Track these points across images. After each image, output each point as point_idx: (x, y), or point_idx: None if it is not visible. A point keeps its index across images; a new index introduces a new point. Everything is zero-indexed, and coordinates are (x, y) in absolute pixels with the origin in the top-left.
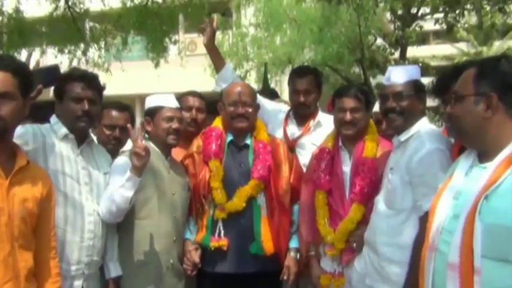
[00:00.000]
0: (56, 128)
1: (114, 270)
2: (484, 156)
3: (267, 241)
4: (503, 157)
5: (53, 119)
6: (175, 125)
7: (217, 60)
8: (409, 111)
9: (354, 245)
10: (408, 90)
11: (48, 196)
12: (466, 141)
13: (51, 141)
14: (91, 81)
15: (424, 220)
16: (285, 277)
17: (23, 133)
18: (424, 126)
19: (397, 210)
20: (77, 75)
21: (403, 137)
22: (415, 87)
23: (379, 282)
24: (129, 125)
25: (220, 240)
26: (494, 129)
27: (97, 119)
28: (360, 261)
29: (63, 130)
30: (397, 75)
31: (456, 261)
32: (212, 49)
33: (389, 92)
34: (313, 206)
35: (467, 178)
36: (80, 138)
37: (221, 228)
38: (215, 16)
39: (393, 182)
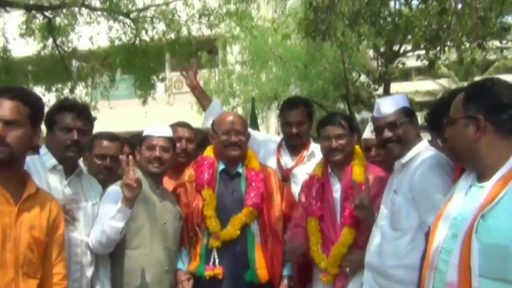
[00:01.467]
0: (44, 158)
1: None
2: (482, 176)
3: (261, 268)
4: (498, 177)
5: (43, 149)
6: (156, 153)
7: (202, 98)
8: (406, 137)
9: (347, 269)
10: (400, 118)
11: (57, 223)
12: (462, 162)
13: (38, 172)
14: (81, 111)
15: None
16: None
17: None
18: (424, 147)
19: (403, 230)
20: (67, 105)
21: (404, 159)
22: (406, 113)
23: None
24: (121, 156)
25: (215, 269)
26: (486, 150)
27: (86, 150)
28: (355, 287)
29: (52, 161)
30: (387, 106)
31: (454, 281)
32: (196, 87)
33: (382, 123)
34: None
35: (466, 198)
36: (69, 169)
37: (216, 256)
38: (195, 60)
39: (397, 202)
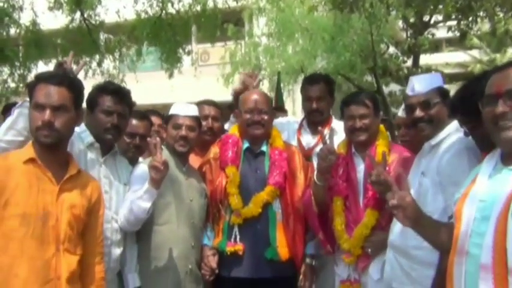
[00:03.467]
0: (83, 135)
1: (132, 282)
2: (508, 158)
3: (282, 247)
4: None
5: (81, 127)
6: (182, 132)
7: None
8: (438, 118)
9: (369, 250)
10: (434, 98)
11: (97, 204)
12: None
13: (78, 147)
14: (123, 97)
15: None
16: (301, 284)
17: None
18: (454, 128)
19: (428, 212)
20: (111, 89)
21: (434, 141)
22: (440, 93)
23: (408, 285)
24: (148, 139)
25: (236, 245)
26: None
27: (124, 133)
28: (375, 268)
29: (90, 138)
30: (421, 85)
31: (489, 262)
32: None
33: (415, 102)
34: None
35: (493, 180)
36: (105, 148)
37: (237, 233)
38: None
39: (424, 184)
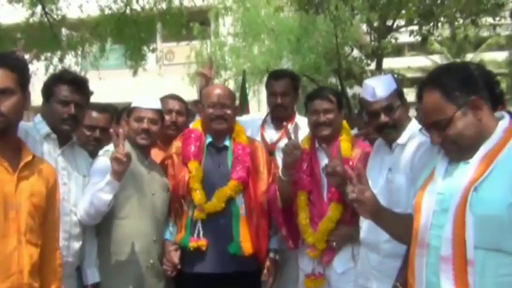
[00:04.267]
0: (39, 127)
1: (91, 277)
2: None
3: (245, 241)
4: (486, 151)
5: (37, 118)
6: (144, 125)
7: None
8: (401, 121)
9: (334, 244)
10: (395, 102)
11: (54, 189)
12: (465, 152)
13: (33, 138)
14: (80, 85)
15: None
16: (265, 278)
17: None
18: (416, 127)
19: (402, 207)
20: (67, 78)
21: (401, 140)
22: (398, 96)
23: (374, 281)
24: (111, 130)
25: (199, 241)
26: (483, 126)
27: (82, 123)
28: (339, 261)
29: (46, 129)
30: (381, 89)
31: (449, 254)
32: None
33: (378, 108)
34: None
35: (449, 174)
36: (63, 140)
37: (200, 228)
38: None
39: (396, 182)
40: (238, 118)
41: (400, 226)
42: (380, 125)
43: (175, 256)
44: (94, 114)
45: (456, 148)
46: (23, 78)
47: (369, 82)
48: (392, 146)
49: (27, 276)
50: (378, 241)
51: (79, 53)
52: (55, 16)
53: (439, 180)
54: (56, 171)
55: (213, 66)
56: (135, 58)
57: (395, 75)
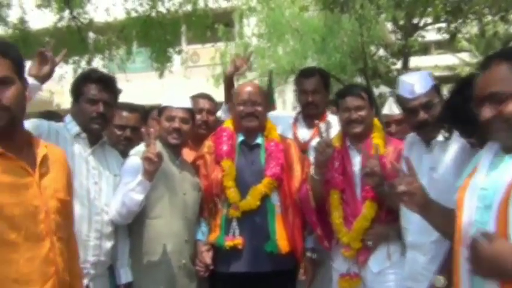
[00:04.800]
0: (69, 126)
1: (124, 276)
2: (508, 148)
3: (281, 239)
4: None
5: (68, 118)
6: (175, 124)
7: (230, 88)
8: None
9: (370, 243)
10: (434, 98)
11: (70, 175)
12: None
13: (64, 138)
14: (108, 84)
15: None
16: (303, 277)
17: (38, 125)
18: None
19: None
20: (95, 77)
21: (441, 138)
22: (437, 92)
23: (425, 281)
24: (142, 129)
25: (235, 239)
26: None
27: (111, 121)
28: (375, 261)
29: (76, 129)
30: (420, 86)
31: None
32: (231, 80)
33: (417, 104)
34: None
35: (493, 169)
36: (93, 139)
37: (235, 227)
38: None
39: (446, 180)
40: (268, 114)
41: (449, 221)
42: (419, 122)
43: (207, 256)
44: (124, 113)
45: (507, 127)
46: (17, 64)
47: (407, 79)
48: (431, 144)
49: (62, 273)
50: (424, 242)
51: (106, 56)
52: (82, 20)
53: (483, 174)
54: (87, 170)
55: (250, 59)
56: (161, 60)
57: None
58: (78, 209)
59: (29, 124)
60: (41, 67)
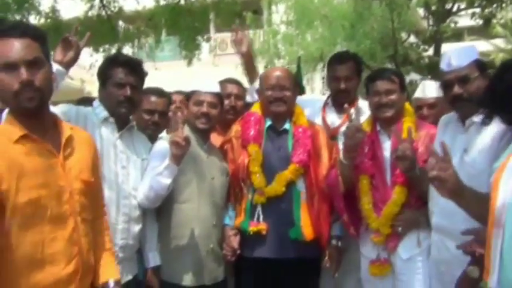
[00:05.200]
0: (97, 111)
1: (153, 260)
2: None
3: (306, 226)
4: None
5: (96, 102)
6: (203, 108)
7: (250, 68)
8: (478, 94)
9: (400, 229)
10: (473, 73)
11: (96, 157)
12: None
13: (92, 123)
14: (135, 67)
15: None
16: (328, 265)
17: (66, 110)
18: None
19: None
20: (121, 61)
21: (477, 117)
22: (478, 67)
23: (458, 267)
24: (170, 113)
25: (259, 225)
26: None
27: (139, 105)
28: (405, 247)
29: (104, 113)
30: (458, 59)
31: None
32: (245, 54)
33: (453, 78)
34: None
35: None
36: (121, 123)
37: (260, 212)
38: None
39: (478, 166)
40: (298, 97)
41: (483, 206)
42: (453, 96)
43: (234, 241)
44: (153, 98)
45: None
46: (46, 47)
47: (448, 51)
48: (466, 123)
49: (86, 254)
50: (453, 228)
51: (135, 44)
52: (112, 9)
53: None
54: (115, 155)
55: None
56: (189, 48)
57: None
58: (106, 192)
59: (57, 110)
60: (66, 53)
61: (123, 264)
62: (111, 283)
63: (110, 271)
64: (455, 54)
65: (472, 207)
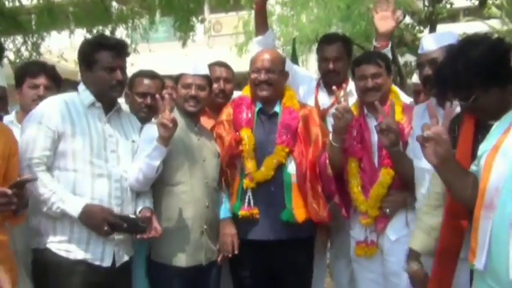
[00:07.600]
0: (83, 96)
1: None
2: None
3: (298, 208)
4: None
5: (81, 86)
6: (192, 91)
7: (261, 22)
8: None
9: (387, 210)
10: (442, 56)
11: (13, 149)
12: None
13: (77, 110)
14: (122, 50)
15: None
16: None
17: (50, 115)
18: None
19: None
20: (108, 44)
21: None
22: None
23: None
24: (157, 96)
25: (251, 209)
26: None
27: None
28: (393, 228)
29: (91, 98)
30: (430, 43)
31: None
32: (262, 8)
33: (424, 60)
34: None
35: None
36: (108, 106)
37: (251, 197)
38: None
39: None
40: (296, 69)
41: (468, 184)
42: (424, 77)
43: (230, 246)
44: (145, 81)
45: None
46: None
47: (425, 36)
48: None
49: None
50: None
51: (129, 25)
52: None
53: None
54: (104, 139)
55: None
56: (183, 29)
57: None
58: (98, 180)
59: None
60: None
61: (119, 247)
62: None
63: None
64: (428, 39)
65: (455, 181)
